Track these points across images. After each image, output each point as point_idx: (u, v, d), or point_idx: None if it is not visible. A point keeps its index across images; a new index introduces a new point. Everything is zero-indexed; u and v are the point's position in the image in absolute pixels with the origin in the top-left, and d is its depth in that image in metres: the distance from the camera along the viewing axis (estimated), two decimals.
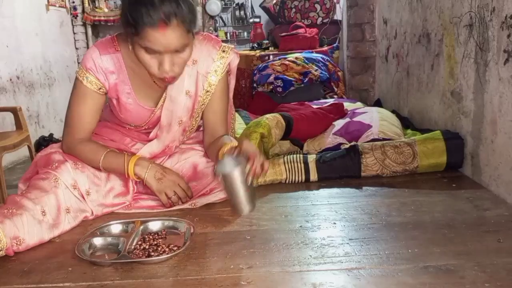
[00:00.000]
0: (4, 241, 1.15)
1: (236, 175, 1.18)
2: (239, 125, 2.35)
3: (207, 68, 1.43)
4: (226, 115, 1.52)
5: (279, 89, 3.33)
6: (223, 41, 1.67)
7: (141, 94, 1.42)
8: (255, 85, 3.57)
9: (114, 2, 4.84)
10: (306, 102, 2.72)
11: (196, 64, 1.43)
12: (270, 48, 4.54)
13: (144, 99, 1.43)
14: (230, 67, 1.52)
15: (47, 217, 1.27)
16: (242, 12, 5.76)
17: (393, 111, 2.41)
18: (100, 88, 1.37)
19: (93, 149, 1.38)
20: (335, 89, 3.51)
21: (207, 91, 1.46)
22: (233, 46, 1.51)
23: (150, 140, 1.50)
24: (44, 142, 3.52)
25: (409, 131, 2.09)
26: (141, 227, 1.25)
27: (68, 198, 1.34)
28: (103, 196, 1.42)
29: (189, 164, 1.49)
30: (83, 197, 1.38)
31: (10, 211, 1.21)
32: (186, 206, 1.45)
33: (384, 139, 1.85)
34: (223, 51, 1.45)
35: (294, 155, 1.75)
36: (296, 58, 3.60)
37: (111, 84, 1.38)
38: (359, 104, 2.77)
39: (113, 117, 1.51)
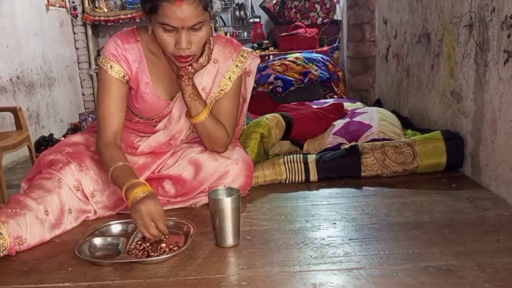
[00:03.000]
0: (8, 240, 1.17)
1: (227, 204, 1.13)
2: None
3: (226, 68, 1.48)
4: (231, 114, 1.52)
5: (279, 89, 3.33)
6: None
7: (159, 85, 1.44)
8: (255, 85, 3.56)
9: (114, 2, 4.84)
10: (306, 102, 2.72)
11: (217, 64, 1.47)
12: (270, 48, 4.54)
13: (161, 90, 1.45)
14: (249, 68, 1.55)
15: (50, 217, 1.28)
16: (242, 12, 5.75)
17: (393, 111, 2.41)
18: (124, 76, 1.39)
19: (109, 156, 1.33)
20: (335, 89, 3.51)
21: (222, 90, 1.49)
22: (252, 50, 1.52)
23: (155, 132, 1.51)
24: (44, 142, 3.52)
25: (409, 131, 2.09)
26: None
27: (71, 199, 1.35)
28: (107, 197, 1.42)
29: (187, 162, 1.49)
30: (86, 199, 1.39)
31: (14, 210, 1.22)
32: (186, 205, 1.47)
33: (384, 139, 1.85)
34: (242, 56, 1.49)
35: (294, 155, 1.75)
36: (296, 58, 3.59)
37: (133, 72, 1.40)
38: (359, 104, 2.77)
39: None
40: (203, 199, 1.46)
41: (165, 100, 1.46)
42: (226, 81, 1.48)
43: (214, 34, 1.41)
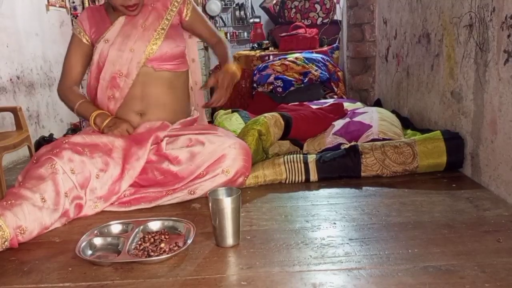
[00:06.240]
0: (7, 231, 1.18)
1: (227, 204, 1.14)
2: (239, 125, 2.35)
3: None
4: (208, 25, 1.85)
5: (279, 89, 3.33)
6: None
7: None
8: (255, 85, 3.57)
9: None
10: (305, 103, 2.71)
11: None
12: (270, 48, 4.53)
13: None
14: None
15: (48, 203, 1.30)
16: (242, 12, 5.75)
17: (393, 111, 2.41)
18: (86, 39, 1.71)
19: (73, 96, 1.72)
20: (335, 89, 3.51)
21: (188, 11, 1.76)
22: None
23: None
24: (44, 142, 3.52)
25: (409, 131, 2.09)
26: (141, 227, 1.25)
27: (67, 182, 1.37)
28: (112, 182, 1.46)
29: (184, 146, 1.54)
30: (80, 186, 1.41)
31: (9, 202, 1.24)
32: (185, 193, 1.48)
33: (384, 139, 1.85)
34: None
35: (294, 155, 1.75)
36: (296, 58, 3.59)
37: (92, 31, 1.71)
38: (359, 104, 2.77)
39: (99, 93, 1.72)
40: (201, 186, 1.48)
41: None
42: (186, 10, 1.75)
43: None
